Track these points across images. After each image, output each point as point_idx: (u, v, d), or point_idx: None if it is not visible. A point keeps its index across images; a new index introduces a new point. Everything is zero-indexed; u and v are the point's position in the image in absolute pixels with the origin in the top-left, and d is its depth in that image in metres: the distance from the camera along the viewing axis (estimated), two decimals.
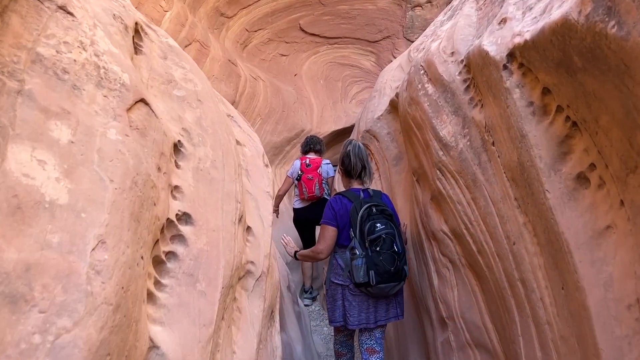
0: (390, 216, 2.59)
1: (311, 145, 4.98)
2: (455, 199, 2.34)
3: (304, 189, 4.84)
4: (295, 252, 2.88)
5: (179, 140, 1.66)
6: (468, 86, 2.41)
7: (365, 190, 2.72)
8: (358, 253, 2.49)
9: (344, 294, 2.59)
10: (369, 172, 2.79)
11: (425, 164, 2.70)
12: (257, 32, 7.28)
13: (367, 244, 2.48)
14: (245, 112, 5.91)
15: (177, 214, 1.47)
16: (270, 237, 1.90)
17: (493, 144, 2.07)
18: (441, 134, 2.48)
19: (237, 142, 2.18)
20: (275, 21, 7.38)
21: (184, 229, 1.46)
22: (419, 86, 2.78)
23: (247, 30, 7.12)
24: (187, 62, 2.10)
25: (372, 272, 2.43)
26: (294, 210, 5.14)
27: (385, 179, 3.89)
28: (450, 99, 2.50)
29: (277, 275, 2.01)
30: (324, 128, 6.93)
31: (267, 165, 2.25)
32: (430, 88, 2.68)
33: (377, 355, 2.62)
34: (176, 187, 1.52)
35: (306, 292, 5.39)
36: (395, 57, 6.83)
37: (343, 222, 2.60)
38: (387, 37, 8.06)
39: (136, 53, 1.95)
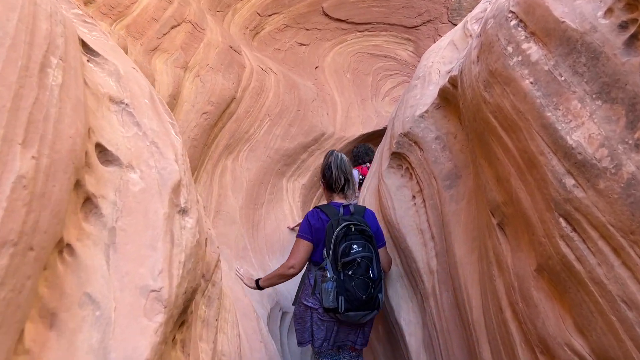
0: (370, 237, 2.39)
1: (370, 154, 4.94)
2: (615, 290, 1.02)
3: None
4: (257, 280, 2.58)
5: None
6: (634, 37, 1.10)
7: (347, 206, 2.50)
8: (329, 276, 2.31)
9: (312, 317, 2.45)
10: (352, 186, 2.61)
11: (526, 199, 1.37)
12: (271, 17, 6.10)
13: (339, 267, 2.29)
14: (250, 112, 4.71)
15: None
16: None
17: None
18: (570, 142, 1.16)
19: (108, 161, 0.94)
20: (293, 4, 6.18)
21: None
22: (509, 49, 1.46)
23: (258, 15, 5.94)
24: None
25: (341, 298, 2.26)
26: None
27: (432, 207, 2.58)
28: (588, 67, 1.18)
29: None
30: (350, 131, 5.64)
31: (182, 212, 1.00)
32: (534, 51, 1.37)
33: None
34: None
35: None
36: None
37: (318, 238, 2.42)
38: (429, 21, 6.70)
39: None
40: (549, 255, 1.24)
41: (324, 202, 4.83)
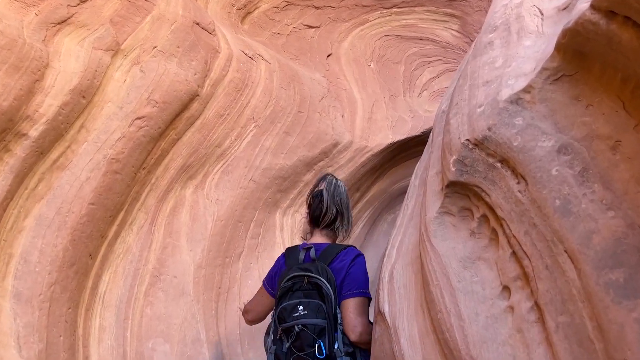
0: (323, 297, 1.75)
1: None
2: None
3: None
4: None
5: None
6: None
7: (309, 250, 1.92)
8: (269, 343, 1.85)
9: None
10: (346, 222, 2.03)
11: None
12: None
13: (280, 334, 1.78)
14: (225, 115, 3.24)
15: None
16: None
17: None
18: None
19: None
20: None
21: None
22: None
23: None
24: None
25: None
26: None
27: (567, 331, 0.97)
28: None
29: None
30: (375, 139, 4.06)
31: None
32: None
33: None
34: None
35: None
36: None
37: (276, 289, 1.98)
38: None
39: None
40: None
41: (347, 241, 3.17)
